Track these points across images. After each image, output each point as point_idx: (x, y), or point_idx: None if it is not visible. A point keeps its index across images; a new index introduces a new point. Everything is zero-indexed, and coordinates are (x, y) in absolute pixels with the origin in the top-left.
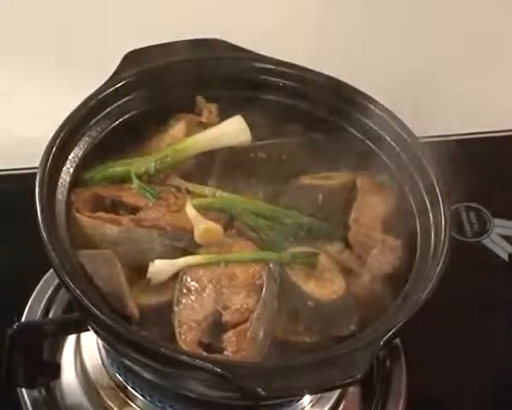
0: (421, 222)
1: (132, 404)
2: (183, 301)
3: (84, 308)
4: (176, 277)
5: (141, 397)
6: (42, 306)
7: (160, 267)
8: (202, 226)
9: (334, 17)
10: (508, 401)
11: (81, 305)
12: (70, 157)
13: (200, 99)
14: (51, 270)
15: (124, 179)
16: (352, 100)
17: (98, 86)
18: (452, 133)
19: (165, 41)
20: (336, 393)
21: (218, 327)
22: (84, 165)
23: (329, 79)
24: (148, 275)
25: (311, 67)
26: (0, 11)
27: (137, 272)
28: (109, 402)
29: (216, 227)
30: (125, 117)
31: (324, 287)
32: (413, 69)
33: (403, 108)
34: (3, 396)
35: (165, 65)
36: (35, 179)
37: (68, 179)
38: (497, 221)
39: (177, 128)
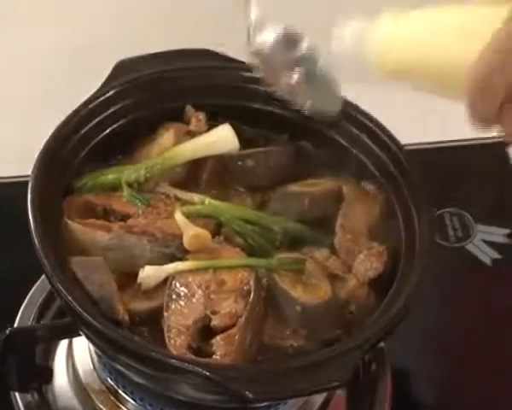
0: (407, 228)
1: (123, 407)
2: (173, 306)
3: (76, 314)
4: (165, 282)
5: (131, 401)
6: (34, 311)
7: (150, 273)
8: (191, 233)
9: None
10: (491, 402)
11: (73, 311)
12: (62, 165)
13: (189, 108)
14: (43, 276)
15: (114, 187)
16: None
17: (89, 94)
18: (437, 140)
19: (155, 51)
20: (322, 396)
21: (206, 332)
22: (75, 173)
23: None
24: (139, 281)
25: None
26: None
27: (128, 277)
28: (101, 406)
29: (204, 233)
30: (116, 126)
31: (311, 292)
32: None
33: (389, 116)
34: None
35: (154, 74)
36: (27, 187)
37: (60, 187)
38: (480, 227)
39: (166, 137)
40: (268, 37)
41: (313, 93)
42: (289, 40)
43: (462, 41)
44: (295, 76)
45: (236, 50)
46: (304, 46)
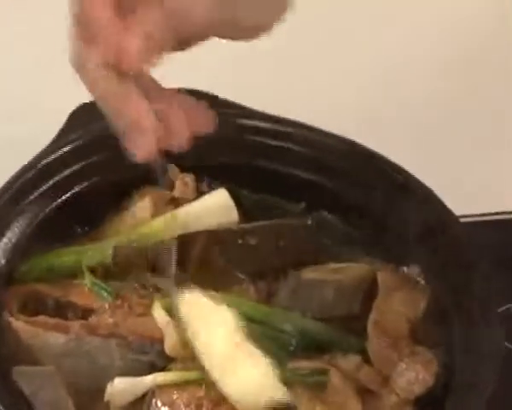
0: (463, 328)
1: None
2: None
3: None
4: (142, 400)
5: None
6: None
7: (122, 388)
8: (175, 335)
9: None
10: None
11: None
12: (2, 243)
13: (172, 168)
14: None
15: (72, 273)
16: (371, 168)
17: (39, 151)
18: (502, 210)
19: None
20: None
21: None
22: (20, 254)
23: (341, 140)
24: (106, 398)
25: (318, 125)
26: None
27: (91, 394)
28: None
29: None
30: (74, 191)
31: None
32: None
33: (439, 180)
34: None
35: None
36: None
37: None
38: None
39: (142, 206)
40: None
41: None
42: None
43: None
44: None
45: (232, 91)
46: None
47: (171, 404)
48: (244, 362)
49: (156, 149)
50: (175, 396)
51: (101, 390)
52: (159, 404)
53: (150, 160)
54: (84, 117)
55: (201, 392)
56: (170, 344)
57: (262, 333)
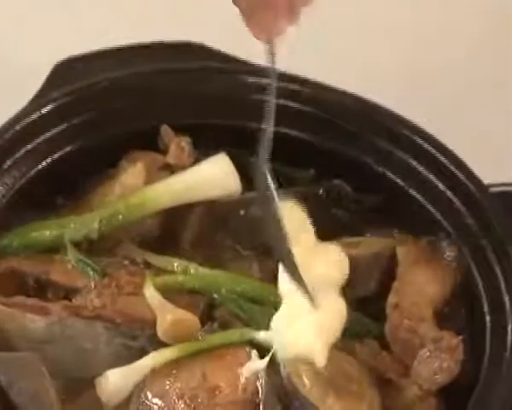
0: (493, 309)
1: None
2: None
3: None
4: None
5: None
6: None
7: (115, 381)
8: (169, 317)
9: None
10: None
11: None
12: None
13: (165, 130)
14: None
15: (54, 248)
16: (390, 131)
17: (16, 111)
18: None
19: (115, 44)
20: None
21: None
22: None
23: (357, 100)
24: (104, 399)
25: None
26: None
27: (74, 384)
28: None
29: (189, 318)
30: (55, 156)
31: (349, 404)
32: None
33: (464, 146)
34: None
35: (113, 80)
36: None
37: None
38: None
39: (133, 172)
40: None
41: None
42: None
43: None
44: None
45: (235, 44)
46: None
47: (162, 396)
48: (328, 302)
49: (276, 30)
50: (167, 386)
51: (87, 379)
52: (149, 396)
53: (269, 40)
54: (67, 72)
55: (196, 381)
56: (163, 328)
57: (265, 315)
